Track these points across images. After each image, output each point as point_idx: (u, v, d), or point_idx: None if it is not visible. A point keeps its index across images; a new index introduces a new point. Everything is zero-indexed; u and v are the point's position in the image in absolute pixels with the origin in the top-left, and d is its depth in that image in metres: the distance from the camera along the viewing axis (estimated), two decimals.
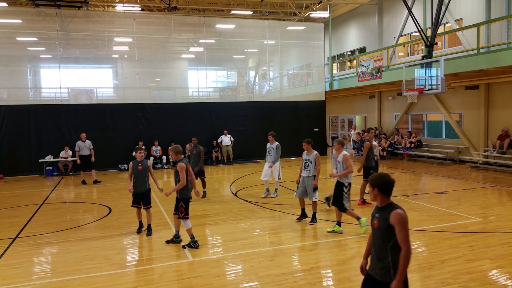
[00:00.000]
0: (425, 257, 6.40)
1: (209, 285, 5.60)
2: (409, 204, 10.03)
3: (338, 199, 7.80)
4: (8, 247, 7.50)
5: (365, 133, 22.46)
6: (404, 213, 3.30)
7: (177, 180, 7.13)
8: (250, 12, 23.96)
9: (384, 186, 3.37)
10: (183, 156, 7.35)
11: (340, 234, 7.72)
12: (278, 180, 11.34)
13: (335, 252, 6.89)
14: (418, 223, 8.32)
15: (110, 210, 10.33)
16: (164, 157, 18.83)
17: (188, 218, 7.13)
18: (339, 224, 7.84)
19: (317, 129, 22.14)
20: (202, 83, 21.49)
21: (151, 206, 8.08)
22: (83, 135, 14.81)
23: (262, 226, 8.54)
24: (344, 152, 7.85)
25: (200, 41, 21.80)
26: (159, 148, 18.78)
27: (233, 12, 23.88)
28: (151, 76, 21.82)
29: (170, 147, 7.46)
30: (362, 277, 5.69)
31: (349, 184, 7.83)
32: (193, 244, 7.09)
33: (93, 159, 14.68)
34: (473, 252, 6.54)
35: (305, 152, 8.49)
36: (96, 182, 14.77)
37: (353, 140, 23.27)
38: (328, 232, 7.79)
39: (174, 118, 19.42)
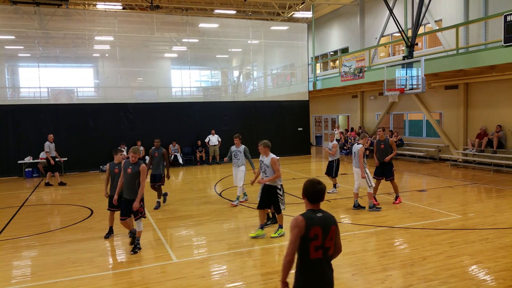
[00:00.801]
0: (407, 254, 6.50)
1: (194, 286, 5.56)
2: (391, 202, 10.17)
3: (274, 203, 7.59)
4: None
5: (349, 133, 22.70)
6: (295, 220, 3.19)
7: (137, 182, 6.92)
8: (233, 12, 23.92)
9: (307, 192, 3.30)
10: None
11: None
12: (243, 186, 10.46)
13: None
14: (400, 221, 8.45)
15: (92, 212, 10.16)
16: (147, 157, 18.58)
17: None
18: (281, 227, 7.64)
19: (301, 129, 22.27)
20: (185, 82, 21.34)
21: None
22: (51, 136, 14.73)
23: (247, 225, 8.53)
24: (272, 155, 7.53)
25: (183, 40, 21.64)
26: (142, 148, 18.54)
27: (217, 11, 23.80)
28: (133, 76, 21.56)
29: (132, 148, 7.00)
30: (346, 275, 5.77)
31: (281, 185, 7.62)
32: (138, 247, 6.96)
33: (61, 160, 15.27)
34: (453, 248, 6.67)
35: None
36: (48, 184, 14.57)
37: (336, 139, 23.46)
38: (273, 237, 7.52)
39: (157, 118, 19.23)
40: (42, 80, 18.04)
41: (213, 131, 19.59)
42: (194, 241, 7.69)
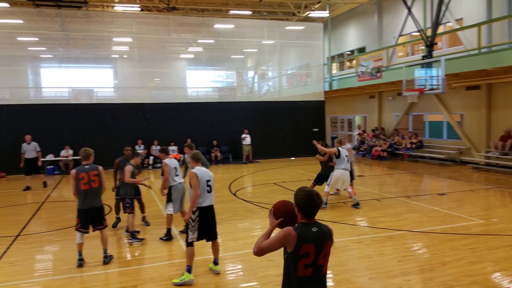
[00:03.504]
0: (426, 259, 6.35)
1: (209, 284, 5.57)
2: (410, 206, 9.99)
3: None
4: (10, 244, 7.53)
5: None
6: (286, 233, 2.99)
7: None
8: (248, 12, 23.90)
9: (302, 206, 3.05)
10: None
11: (343, 234, 7.66)
12: None
13: (335, 253, 6.81)
14: (418, 225, 8.27)
15: (111, 209, 10.27)
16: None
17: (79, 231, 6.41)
18: (189, 270, 5.63)
19: (316, 129, 22.09)
20: (201, 83, 21.47)
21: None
22: (28, 137, 13.93)
23: (261, 226, 8.49)
24: (193, 170, 5.84)
25: (199, 41, 21.80)
26: (158, 147, 18.74)
27: (232, 12, 23.83)
28: (150, 76, 21.82)
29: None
30: (363, 279, 5.67)
31: (197, 208, 5.76)
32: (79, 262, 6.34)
33: (39, 162, 13.91)
34: (475, 254, 6.48)
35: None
36: (45, 185, 14.03)
37: (356, 140, 23.21)
38: (176, 284, 5.56)
39: (173, 118, 19.39)
40: (63, 81, 18.47)
41: (246, 131, 19.65)
42: None
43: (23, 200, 11.91)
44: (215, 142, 19.76)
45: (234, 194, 12.05)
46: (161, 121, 19.21)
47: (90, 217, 6.38)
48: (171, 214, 7.56)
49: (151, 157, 18.47)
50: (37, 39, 19.94)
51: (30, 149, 13.77)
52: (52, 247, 7.47)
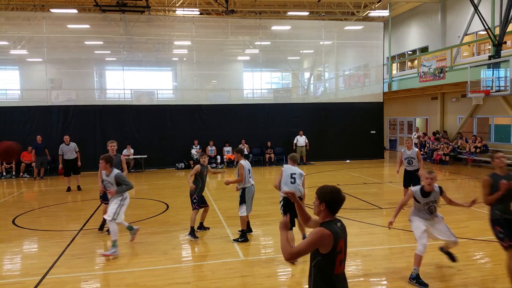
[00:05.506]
0: (489, 269, 5.99)
1: (260, 284, 5.64)
2: (473, 213, 9.43)
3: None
4: (73, 238, 8.07)
5: (424, 137, 21.43)
6: (320, 234, 2.98)
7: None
8: (306, 13, 23.79)
9: (331, 201, 3.06)
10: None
11: (400, 240, 7.41)
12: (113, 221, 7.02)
13: (391, 260, 6.64)
14: (481, 233, 7.79)
15: (168, 206, 10.75)
16: (218, 157, 19.28)
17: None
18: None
19: (374, 132, 21.47)
20: (256, 84, 21.71)
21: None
22: (67, 137, 13.57)
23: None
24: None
25: (256, 43, 22.01)
26: (214, 148, 19.24)
27: (289, 13, 23.84)
28: (208, 78, 22.43)
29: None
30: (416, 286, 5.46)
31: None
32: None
33: (79, 163, 13.47)
34: None
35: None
36: (79, 188, 13.51)
37: (415, 144, 22.26)
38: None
39: (229, 119, 19.77)
40: (126, 83, 19.50)
41: (300, 132, 19.61)
42: (261, 240, 7.78)
43: (85, 197, 12.68)
44: (269, 143, 19.89)
45: None
46: (216, 122, 19.67)
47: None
48: (246, 216, 7.57)
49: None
50: (102, 43, 21.22)
51: (69, 150, 13.43)
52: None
